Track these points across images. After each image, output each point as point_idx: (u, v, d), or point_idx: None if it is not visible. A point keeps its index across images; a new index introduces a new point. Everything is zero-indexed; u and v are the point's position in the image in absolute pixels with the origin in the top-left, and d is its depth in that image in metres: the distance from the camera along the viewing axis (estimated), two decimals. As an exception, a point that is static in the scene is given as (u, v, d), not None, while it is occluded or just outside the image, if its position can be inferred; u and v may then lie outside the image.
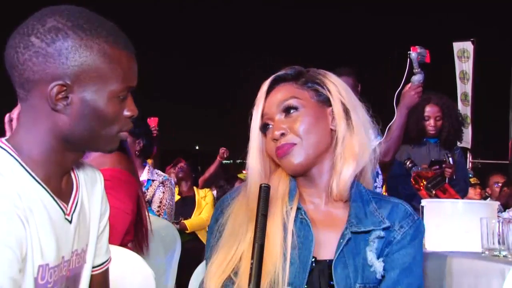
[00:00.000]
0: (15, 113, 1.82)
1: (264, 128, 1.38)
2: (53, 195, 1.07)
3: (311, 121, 1.34)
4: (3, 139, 1.08)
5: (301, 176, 1.37)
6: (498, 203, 2.09)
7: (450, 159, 3.27)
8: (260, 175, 1.35)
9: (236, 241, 1.28)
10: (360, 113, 1.39)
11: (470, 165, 8.07)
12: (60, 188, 1.11)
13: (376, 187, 3.19)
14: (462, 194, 3.29)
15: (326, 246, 1.31)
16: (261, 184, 1.17)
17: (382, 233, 1.31)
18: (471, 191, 5.31)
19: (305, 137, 1.33)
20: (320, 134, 1.35)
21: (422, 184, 2.57)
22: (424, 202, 2.07)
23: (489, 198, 5.58)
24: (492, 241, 1.76)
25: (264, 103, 1.38)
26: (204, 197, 5.62)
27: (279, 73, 1.41)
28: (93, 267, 1.25)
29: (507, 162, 8.20)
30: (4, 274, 0.94)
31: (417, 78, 2.92)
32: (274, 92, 1.38)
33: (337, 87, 1.39)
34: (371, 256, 1.29)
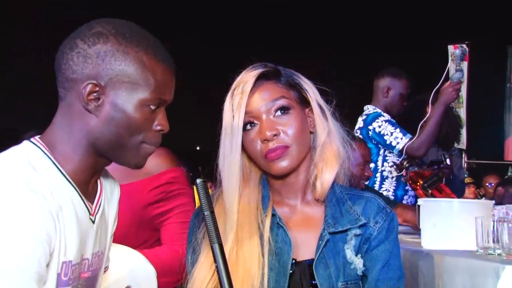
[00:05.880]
0: None
1: (246, 127, 1.33)
2: (81, 194, 1.11)
3: (300, 125, 1.33)
4: (37, 137, 1.12)
5: (279, 178, 1.36)
6: (493, 202, 2.12)
7: (448, 159, 3.30)
8: (239, 178, 1.32)
9: None
10: (331, 114, 1.38)
11: (465, 165, 8.09)
12: (87, 188, 1.14)
13: (407, 190, 3.25)
14: (459, 194, 3.34)
15: (305, 247, 1.32)
16: (196, 180, 1.11)
17: (358, 231, 1.32)
18: (465, 189, 5.35)
19: (296, 141, 1.31)
20: (306, 137, 1.35)
21: (419, 183, 2.60)
22: (420, 201, 2.10)
23: (483, 198, 5.62)
24: (487, 240, 1.78)
25: (248, 100, 1.31)
26: (203, 198, 5.64)
27: (261, 70, 1.35)
28: None
29: (502, 162, 8.23)
30: (33, 268, 0.96)
31: (457, 75, 2.94)
32: (259, 90, 1.33)
33: (312, 88, 1.37)
34: (349, 253, 1.30)
